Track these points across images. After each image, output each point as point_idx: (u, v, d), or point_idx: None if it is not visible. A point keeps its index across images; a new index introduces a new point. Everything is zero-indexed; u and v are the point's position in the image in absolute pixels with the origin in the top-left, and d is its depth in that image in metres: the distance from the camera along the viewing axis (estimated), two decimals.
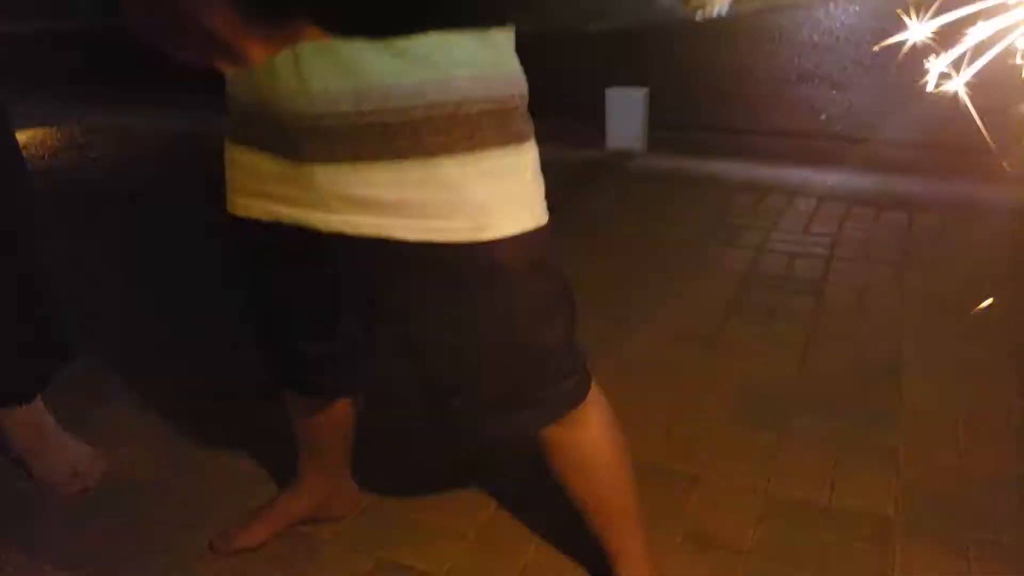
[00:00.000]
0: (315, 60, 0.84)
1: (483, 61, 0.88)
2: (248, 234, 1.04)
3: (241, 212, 1.02)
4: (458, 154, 0.87)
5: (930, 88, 0.82)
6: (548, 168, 0.99)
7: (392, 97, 0.85)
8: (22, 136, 1.51)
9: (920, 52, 0.81)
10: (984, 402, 1.78)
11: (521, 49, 0.94)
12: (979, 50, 0.78)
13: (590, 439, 1.14)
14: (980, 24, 0.75)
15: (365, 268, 0.97)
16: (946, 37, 0.79)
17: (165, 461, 1.67)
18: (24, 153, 1.52)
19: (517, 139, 0.92)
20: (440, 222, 0.89)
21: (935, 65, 0.81)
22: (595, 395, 1.12)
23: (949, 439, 1.66)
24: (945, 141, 3.66)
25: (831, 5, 6.70)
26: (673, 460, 1.62)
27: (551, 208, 0.99)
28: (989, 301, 2.13)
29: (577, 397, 1.08)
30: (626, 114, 3.69)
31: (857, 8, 6.52)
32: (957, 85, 0.81)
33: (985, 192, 3.07)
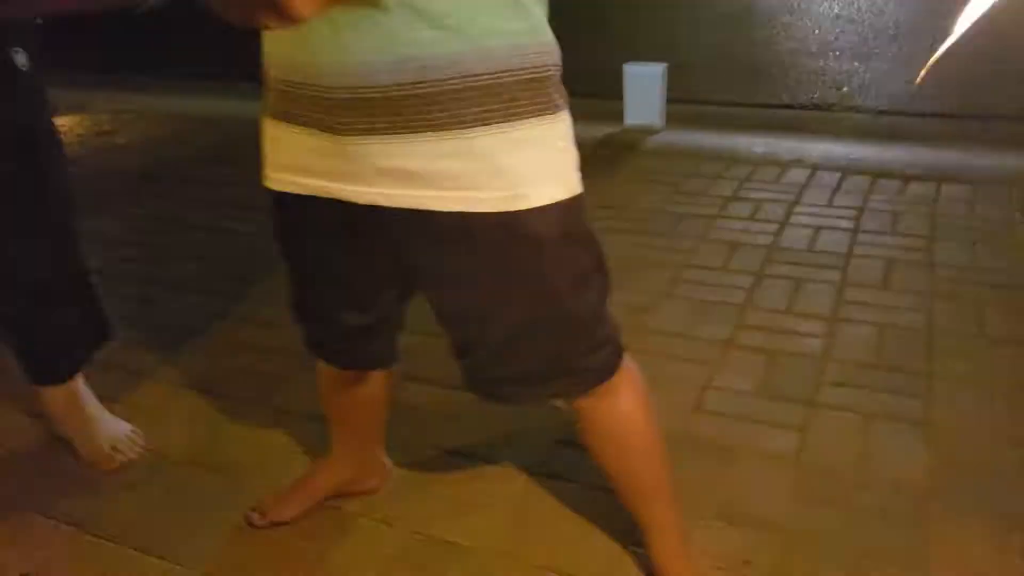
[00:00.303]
0: (354, 32, 0.84)
1: (518, 31, 0.87)
2: (285, 208, 1.05)
3: (277, 186, 1.02)
4: (493, 124, 0.87)
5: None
6: None
7: (429, 68, 0.84)
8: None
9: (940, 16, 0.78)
10: (1019, 372, 1.77)
11: None
12: None
13: (623, 410, 1.14)
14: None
15: (401, 239, 0.98)
16: None
17: (201, 437, 1.70)
18: None
19: (551, 109, 0.92)
20: (475, 192, 0.89)
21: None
22: (628, 366, 1.12)
23: (983, 409, 1.65)
24: (971, 111, 3.61)
25: None
26: (703, 433, 1.63)
27: None
28: None
29: (611, 367, 1.09)
30: (644, 90, 3.66)
31: None
32: None
33: (1012, 161, 3.03)
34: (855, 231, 2.52)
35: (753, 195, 2.88)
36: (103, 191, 3.28)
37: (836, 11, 5.84)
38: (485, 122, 0.87)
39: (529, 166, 0.90)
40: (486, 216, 0.90)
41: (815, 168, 3.11)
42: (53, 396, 1.60)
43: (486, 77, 0.85)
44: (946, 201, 2.72)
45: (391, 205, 0.92)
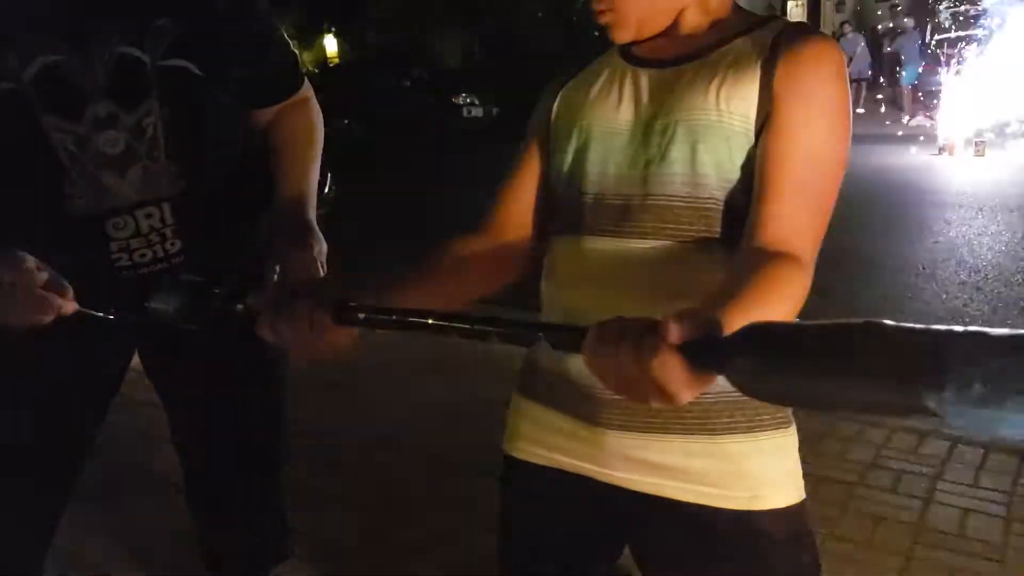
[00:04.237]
0: None
1: None
2: (522, 474, 1.18)
3: (520, 455, 1.17)
4: (740, 433, 1.02)
5: None
6: None
7: None
8: None
9: None
10: None
11: None
12: None
13: None
14: None
15: (633, 519, 1.10)
16: None
17: None
18: None
19: (787, 423, 1.08)
20: (718, 490, 1.03)
21: None
22: None
23: None
24: None
25: (976, 242, 6.74)
26: None
27: None
28: None
29: None
30: None
31: (1003, 247, 6.52)
32: None
33: None
34: (1008, 519, 2.45)
35: (892, 464, 2.86)
36: None
37: (963, 278, 5.93)
38: (733, 432, 1.02)
39: (769, 471, 1.05)
40: (723, 511, 1.03)
41: (955, 441, 3.06)
42: None
43: (735, 395, 1.00)
44: None
45: (633, 489, 1.06)
